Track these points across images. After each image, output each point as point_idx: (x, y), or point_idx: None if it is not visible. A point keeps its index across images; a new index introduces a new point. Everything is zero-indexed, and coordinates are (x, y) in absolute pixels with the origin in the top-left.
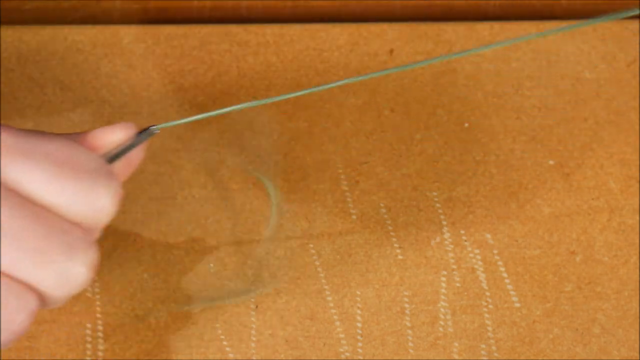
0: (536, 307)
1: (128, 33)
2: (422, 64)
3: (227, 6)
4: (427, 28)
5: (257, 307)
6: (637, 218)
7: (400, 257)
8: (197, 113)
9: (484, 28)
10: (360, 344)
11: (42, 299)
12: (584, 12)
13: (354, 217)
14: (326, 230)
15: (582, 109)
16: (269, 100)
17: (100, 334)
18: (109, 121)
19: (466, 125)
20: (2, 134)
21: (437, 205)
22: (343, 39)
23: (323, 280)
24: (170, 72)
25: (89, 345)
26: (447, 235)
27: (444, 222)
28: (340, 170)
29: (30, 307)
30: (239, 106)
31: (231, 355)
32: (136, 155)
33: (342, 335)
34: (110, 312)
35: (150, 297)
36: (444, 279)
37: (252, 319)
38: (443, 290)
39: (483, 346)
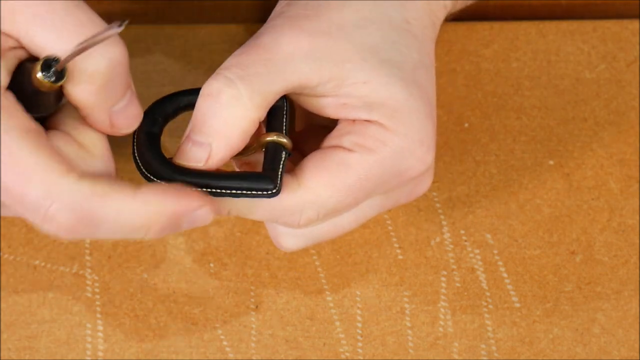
0: (536, 307)
1: (128, 33)
2: None
3: (227, 6)
4: None
5: (257, 307)
6: (637, 218)
7: (400, 257)
8: None
9: (484, 28)
10: (360, 344)
11: None
12: (584, 12)
13: None
14: None
15: (582, 109)
16: None
17: (100, 334)
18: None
19: (466, 125)
20: None
21: (437, 205)
22: None
23: (323, 280)
24: (170, 72)
25: (89, 345)
26: (447, 235)
27: (444, 222)
28: None
29: None
30: None
31: (231, 355)
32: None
33: (342, 335)
34: (110, 312)
35: (150, 297)
36: (444, 279)
37: (252, 319)
38: (443, 290)
39: (483, 346)
